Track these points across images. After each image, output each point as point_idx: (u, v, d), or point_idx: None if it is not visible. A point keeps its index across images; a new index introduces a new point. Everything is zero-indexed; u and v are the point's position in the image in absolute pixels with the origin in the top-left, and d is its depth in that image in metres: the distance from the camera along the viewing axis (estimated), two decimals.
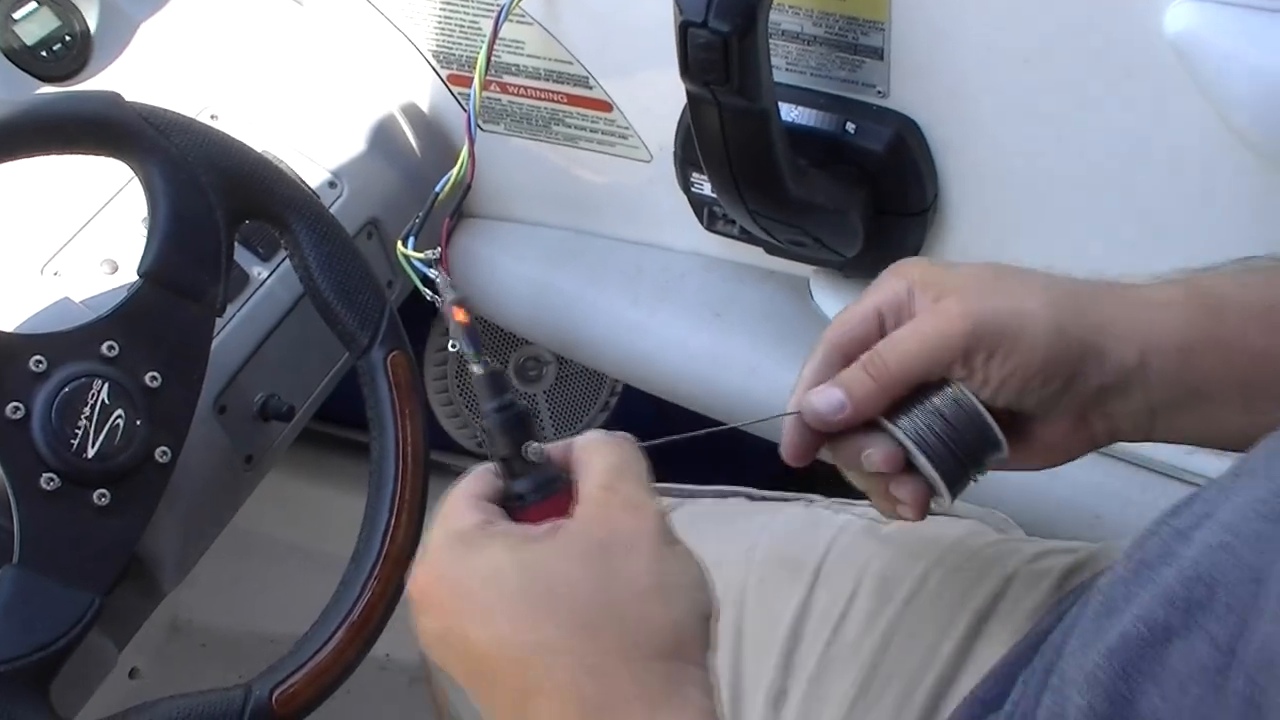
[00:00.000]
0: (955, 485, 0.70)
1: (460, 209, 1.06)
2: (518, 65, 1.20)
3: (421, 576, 0.60)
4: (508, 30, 1.18)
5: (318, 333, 1.13)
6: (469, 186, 1.02)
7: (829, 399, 0.69)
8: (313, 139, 1.20)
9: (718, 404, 1.22)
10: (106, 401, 0.89)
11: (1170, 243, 1.00)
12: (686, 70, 0.93)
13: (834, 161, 1.07)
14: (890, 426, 0.70)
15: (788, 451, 0.72)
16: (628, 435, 0.63)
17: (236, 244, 1.00)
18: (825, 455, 0.73)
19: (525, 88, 1.21)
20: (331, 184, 1.19)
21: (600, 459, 0.61)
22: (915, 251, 1.12)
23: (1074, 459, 0.72)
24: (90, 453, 0.88)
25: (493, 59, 1.19)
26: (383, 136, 1.24)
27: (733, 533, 0.94)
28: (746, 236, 1.16)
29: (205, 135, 0.94)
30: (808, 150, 1.05)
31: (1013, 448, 0.70)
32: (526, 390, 1.59)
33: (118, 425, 0.90)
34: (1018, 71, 1.00)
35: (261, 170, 0.97)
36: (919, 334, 0.68)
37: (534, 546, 0.58)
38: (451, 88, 1.25)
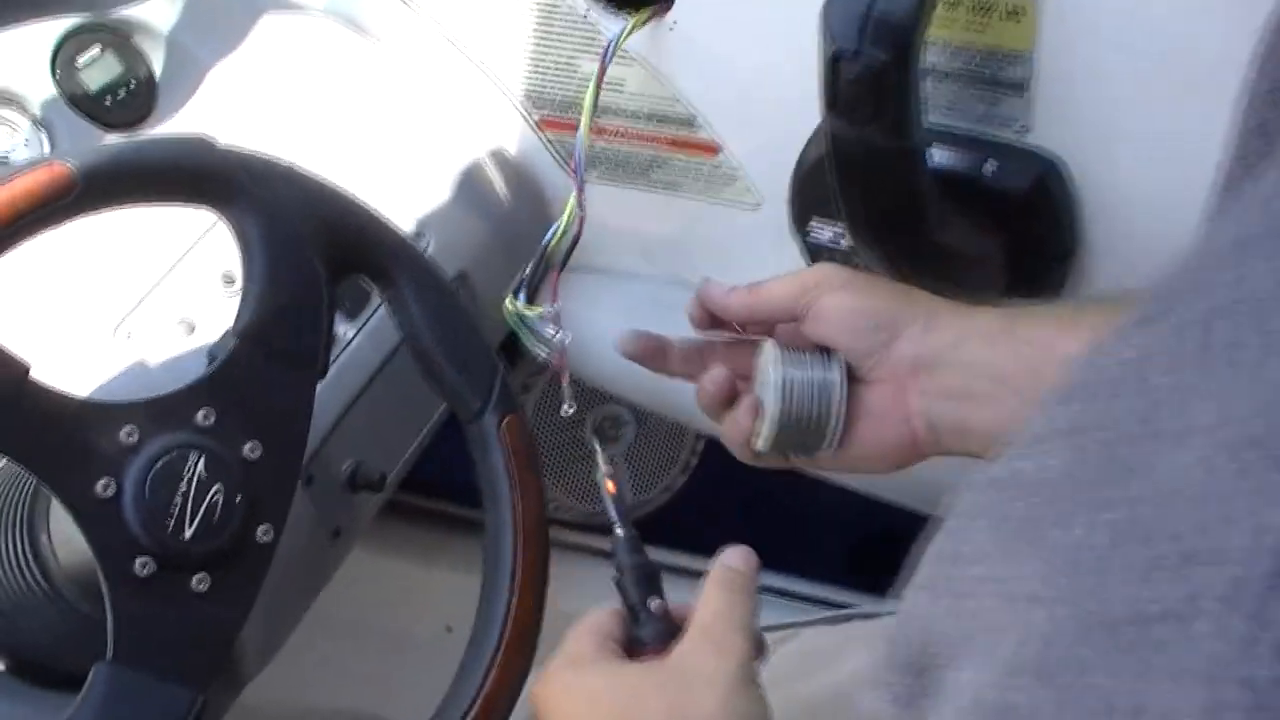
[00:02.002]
0: (785, 428, 0.82)
1: (568, 262, 0.97)
2: (616, 106, 1.12)
3: (539, 687, 0.73)
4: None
5: (407, 394, 1.06)
6: (578, 237, 0.94)
7: (721, 287, 0.87)
8: (394, 188, 1.13)
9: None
10: (204, 475, 0.81)
11: None
12: (834, 106, 0.85)
13: (972, 204, 0.99)
14: (769, 345, 0.84)
15: (690, 312, 0.89)
16: (749, 554, 0.76)
17: None
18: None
19: (624, 130, 1.14)
20: (418, 235, 1.11)
21: (711, 600, 0.73)
22: (1055, 298, 1.04)
23: (898, 460, 0.82)
24: (188, 533, 0.80)
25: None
26: (469, 184, 1.17)
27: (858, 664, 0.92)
28: None
29: (304, 183, 0.86)
30: (945, 192, 0.97)
31: (847, 423, 0.82)
32: (605, 450, 1.50)
33: (216, 502, 0.81)
34: (1177, 106, 0.92)
35: (364, 220, 0.89)
36: (790, 277, 0.85)
37: (629, 673, 0.71)
38: (543, 133, 1.17)
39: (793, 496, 1.30)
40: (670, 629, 0.74)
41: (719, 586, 0.73)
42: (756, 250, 1.16)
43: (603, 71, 1.03)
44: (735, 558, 0.75)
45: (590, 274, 1.24)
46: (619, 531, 0.78)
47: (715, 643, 0.70)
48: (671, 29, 1.04)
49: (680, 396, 1.20)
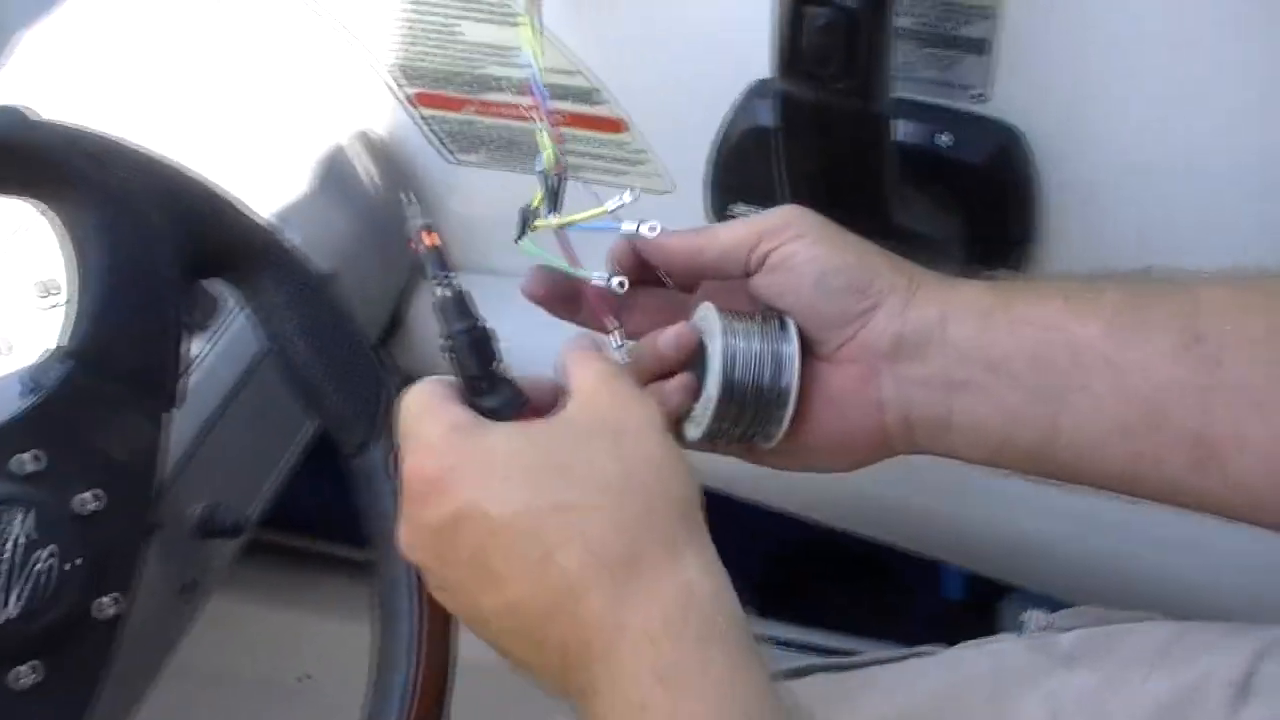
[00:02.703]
0: (726, 412, 0.67)
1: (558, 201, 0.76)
2: (504, 79, 0.98)
3: (423, 463, 0.60)
4: (492, 35, 0.96)
5: (266, 420, 0.90)
6: (562, 176, 0.74)
7: (657, 227, 0.69)
8: (246, 176, 0.95)
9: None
10: (30, 536, 0.64)
11: None
12: (792, 63, 0.72)
13: (926, 180, 0.87)
14: (708, 308, 0.68)
15: (613, 254, 0.70)
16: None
17: None
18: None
19: (514, 107, 1.00)
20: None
21: (587, 360, 0.63)
22: None
23: (864, 456, 0.69)
24: (12, 611, 0.63)
25: (474, 71, 0.97)
26: (334, 171, 1.01)
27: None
28: None
29: (154, 166, 0.70)
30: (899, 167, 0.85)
31: (801, 410, 0.67)
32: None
33: (47, 569, 0.65)
34: (1154, 75, 0.83)
35: (228, 212, 0.73)
36: (743, 220, 0.68)
37: (544, 428, 0.60)
38: (416, 109, 1.02)
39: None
40: (520, 397, 0.63)
41: (584, 353, 0.63)
42: None
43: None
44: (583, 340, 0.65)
45: (481, 276, 1.07)
46: (443, 292, 0.64)
47: (627, 392, 0.61)
48: None
49: None
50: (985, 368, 0.65)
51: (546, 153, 0.69)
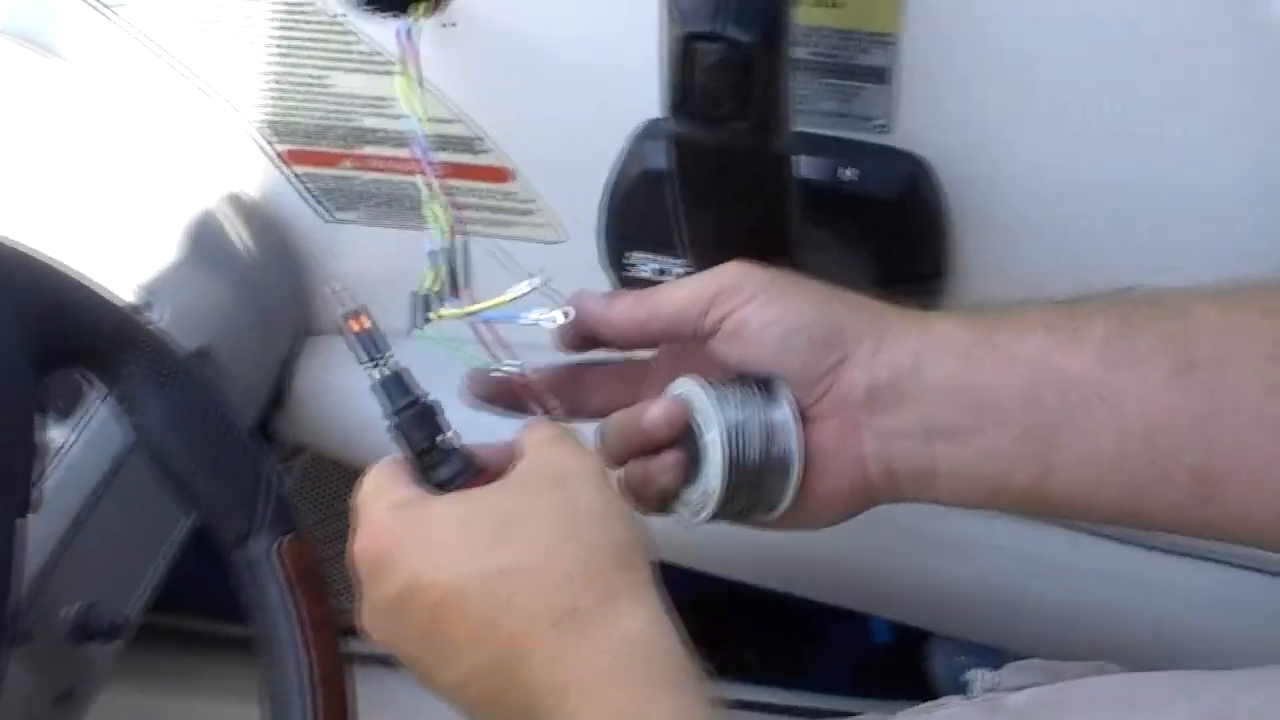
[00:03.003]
0: (733, 493, 0.64)
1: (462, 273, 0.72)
2: (380, 131, 0.93)
3: (370, 543, 0.60)
4: (365, 85, 0.90)
5: (141, 508, 0.84)
6: (458, 246, 0.70)
7: (598, 298, 0.67)
8: (107, 248, 0.90)
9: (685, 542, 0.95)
10: None
11: None
12: (683, 102, 0.67)
13: (831, 218, 0.83)
14: (692, 381, 0.65)
15: (556, 334, 0.68)
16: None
17: None
18: None
19: (392, 159, 0.94)
20: (144, 306, 0.89)
21: (534, 429, 0.63)
22: None
23: (846, 512, 0.66)
24: None
25: (347, 124, 0.91)
26: (203, 237, 0.95)
27: None
28: None
29: None
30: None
31: None
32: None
33: None
34: (1065, 98, 0.79)
35: (77, 295, 0.67)
36: (688, 280, 0.66)
37: (487, 492, 0.60)
38: (289, 168, 0.96)
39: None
40: (471, 465, 0.63)
41: (537, 421, 0.64)
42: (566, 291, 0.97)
43: (414, 55, 0.80)
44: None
45: None
46: (376, 375, 0.63)
47: (569, 446, 0.61)
48: (448, 29, 0.84)
49: None
50: (969, 411, 0.62)
51: (438, 226, 0.64)
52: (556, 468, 0.60)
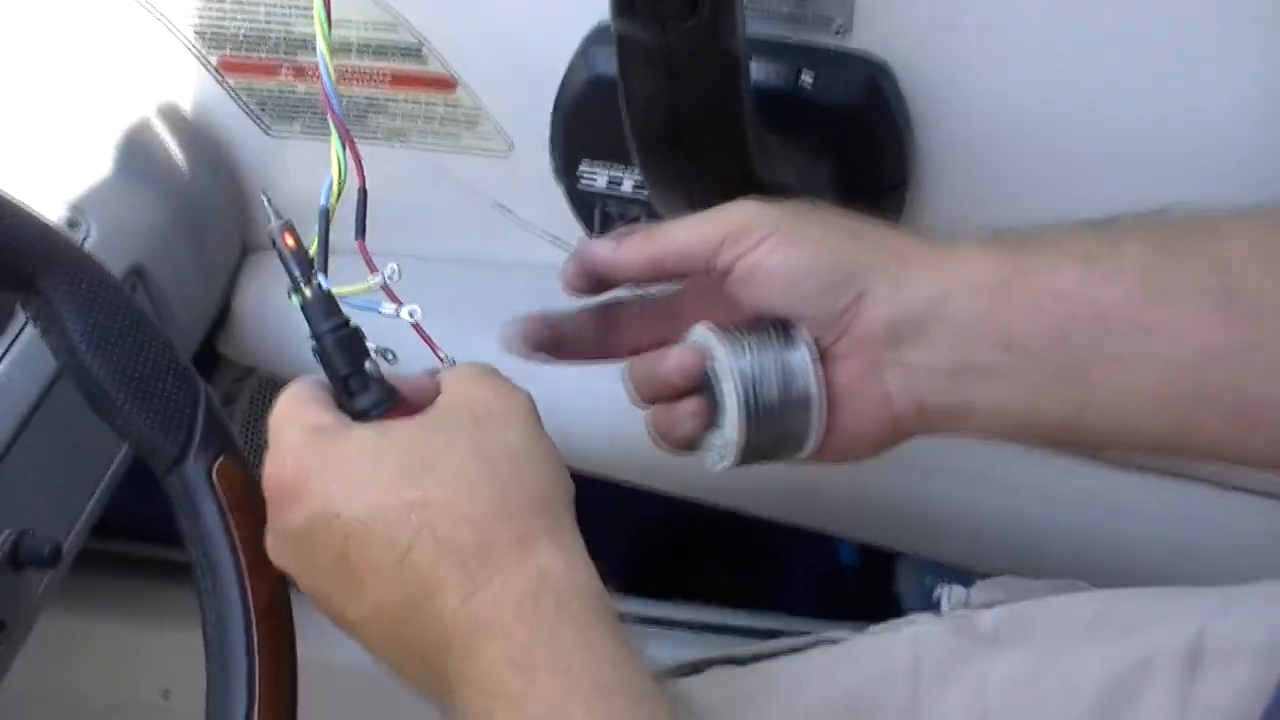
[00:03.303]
0: (753, 438, 0.63)
1: (365, 221, 0.70)
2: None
3: (281, 468, 0.58)
4: None
5: (79, 429, 0.81)
6: (365, 191, 0.67)
7: (603, 241, 0.66)
8: (31, 161, 0.86)
9: (648, 463, 0.93)
10: None
11: None
12: (627, 4, 0.63)
13: (789, 126, 0.79)
14: (706, 328, 0.64)
15: (564, 277, 0.68)
16: None
17: None
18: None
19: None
20: (71, 223, 0.85)
21: (466, 364, 0.61)
22: None
23: (876, 447, 0.65)
24: None
25: (283, 33, 0.87)
26: (135, 150, 0.91)
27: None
28: None
29: None
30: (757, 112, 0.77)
31: None
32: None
33: None
34: None
35: None
36: (699, 217, 0.64)
37: (406, 425, 0.58)
38: (224, 78, 0.92)
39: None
40: (393, 394, 0.61)
41: (462, 364, 0.62)
42: (515, 204, 0.94)
43: None
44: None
45: None
46: (307, 293, 0.61)
47: (496, 384, 0.59)
48: None
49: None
50: (1001, 348, 0.60)
51: (334, 178, 0.61)
52: (480, 406, 0.58)
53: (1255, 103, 0.76)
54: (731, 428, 0.63)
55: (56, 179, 0.86)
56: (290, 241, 0.61)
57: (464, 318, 0.95)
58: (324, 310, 0.61)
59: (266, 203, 0.63)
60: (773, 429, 0.63)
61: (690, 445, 0.66)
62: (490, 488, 0.56)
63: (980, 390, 0.61)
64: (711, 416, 0.64)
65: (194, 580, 0.69)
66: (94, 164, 0.89)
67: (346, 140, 0.60)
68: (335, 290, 0.61)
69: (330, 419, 0.59)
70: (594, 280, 0.67)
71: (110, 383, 0.67)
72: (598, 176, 0.86)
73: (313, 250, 0.62)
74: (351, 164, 0.60)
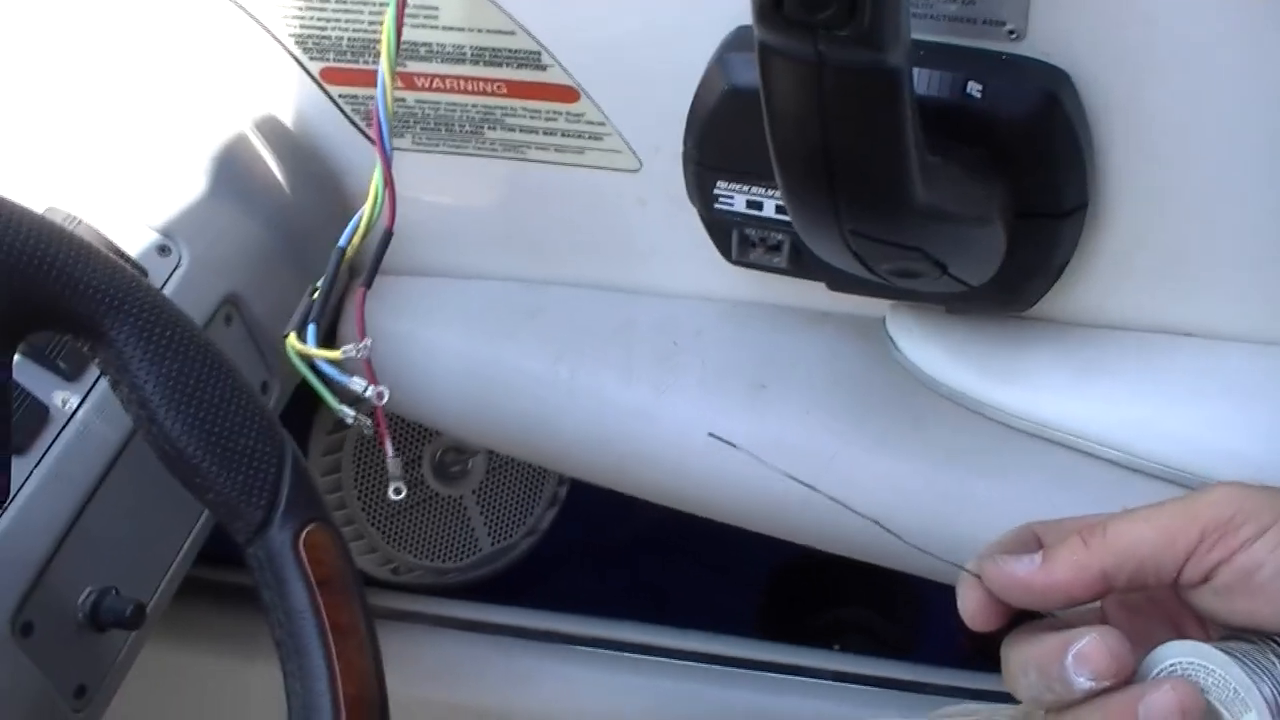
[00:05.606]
0: None
1: (378, 270, 0.66)
2: (429, 45, 0.82)
3: None
4: None
5: (166, 480, 0.75)
6: (390, 233, 0.62)
7: (1021, 557, 0.55)
8: (122, 184, 0.82)
9: (778, 517, 0.87)
10: None
11: None
12: (776, 7, 0.55)
13: (955, 143, 0.71)
14: (1195, 647, 0.52)
15: (966, 611, 0.56)
16: None
17: (23, 361, 0.70)
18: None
19: (443, 78, 0.84)
20: (162, 249, 0.81)
21: None
22: (1063, 268, 0.79)
23: None
24: None
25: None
26: (231, 168, 0.86)
27: None
28: (798, 268, 0.81)
29: None
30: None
31: None
32: (449, 492, 1.20)
33: None
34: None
35: (51, 248, 0.57)
36: (1154, 509, 0.54)
37: None
38: (328, 87, 0.86)
39: (689, 537, 1.05)
40: None
41: None
42: (639, 230, 0.88)
43: None
44: None
45: (409, 278, 0.95)
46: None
47: None
48: None
49: (553, 444, 0.93)
50: None
51: (364, 217, 0.55)
52: None
53: None
54: None
55: (145, 201, 0.82)
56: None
57: (591, 344, 0.90)
58: None
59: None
60: None
61: None
62: None
63: None
64: None
65: (280, 658, 0.63)
66: (186, 184, 0.85)
67: (387, 181, 0.52)
68: (308, 351, 0.55)
69: None
70: (1006, 607, 0.55)
71: (185, 440, 0.61)
72: (735, 198, 0.79)
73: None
74: (385, 202, 0.52)
